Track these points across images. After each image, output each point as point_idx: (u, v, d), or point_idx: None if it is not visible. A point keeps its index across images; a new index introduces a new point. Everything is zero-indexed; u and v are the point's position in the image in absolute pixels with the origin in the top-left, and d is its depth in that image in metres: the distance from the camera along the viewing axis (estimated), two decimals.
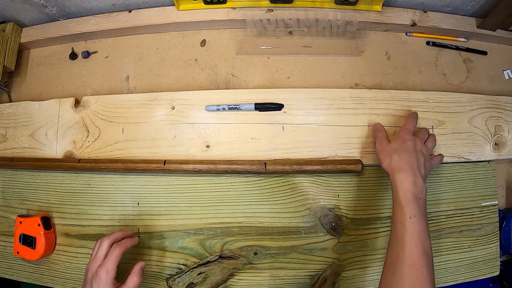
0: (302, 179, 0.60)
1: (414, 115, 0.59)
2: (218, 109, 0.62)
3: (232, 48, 0.70)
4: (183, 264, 0.60)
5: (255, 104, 0.61)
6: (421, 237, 0.46)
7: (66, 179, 0.64)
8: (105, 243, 0.51)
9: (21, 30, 0.73)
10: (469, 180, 0.61)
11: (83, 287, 0.50)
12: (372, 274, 0.59)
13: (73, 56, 0.73)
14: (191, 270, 0.59)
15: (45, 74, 0.74)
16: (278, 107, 0.61)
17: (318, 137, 0.61)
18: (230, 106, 0.61)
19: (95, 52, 0.73)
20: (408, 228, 0.46)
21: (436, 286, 0.58)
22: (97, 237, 0.61)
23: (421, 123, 0.62)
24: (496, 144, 0.62)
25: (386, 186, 0.60)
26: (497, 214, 0.61)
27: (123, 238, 0.53)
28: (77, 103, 0.67)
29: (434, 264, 0.58)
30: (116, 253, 0.49)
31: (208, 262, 0.59)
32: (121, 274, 0.51)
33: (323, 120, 0.62)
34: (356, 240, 0.59)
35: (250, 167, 0.58)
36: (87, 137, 0.64)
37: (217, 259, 0.59)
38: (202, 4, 0.67)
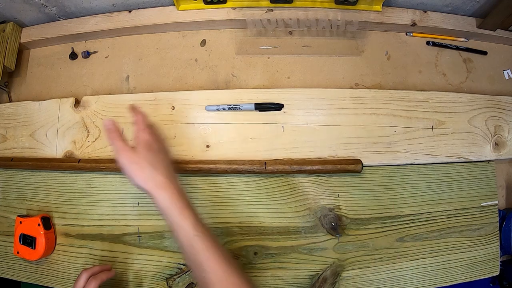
0: (302, 179, 0.60)
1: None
2: (218, 109, 0.62)
3: (232, 48, 0.70)
4: (183, 264, 0.60)
5: (255, 104, 0.61)
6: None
7: (66, 179, 0.64)
8: (83, 276, 0.53)
9: (21, 30, 0.73)
10: (469, 180, 0.61)
11: None
12: (372, 274, 0.59)
13: (73, 56, 0.73)
14: (191, 270, 0.59)
15: (45, 74, 0.74)
16: (278, 107, 0.61)
17: (318, 137, 0.61)
18: (230, 106, 0.61)
19: (95, 52, 0.73)
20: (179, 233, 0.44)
21: (436, 286, 0.59)
22: (97, 237, 0.62)
23: (421, 123, 0.62)
24: (496, 144, 0.62)
25: (386, 186, 0.60)
26: (497, 214, 0.61)
27: (100, 272, 0.55)
28: (77, 103, 0.67)
29: (434, 264, 0.59)
30: (92, 286, 0.52)
31: None
32: None
33: (323, 120, 0.62)
34: (356, 240, 0.59)
35: (250, 167, 0.58)
36: (87, 137, 0.64)
37: None
38: (202, 4, 0.67)
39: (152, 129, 0.51)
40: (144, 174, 0.46)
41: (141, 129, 0.50)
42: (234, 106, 0.61)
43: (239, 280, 0.42)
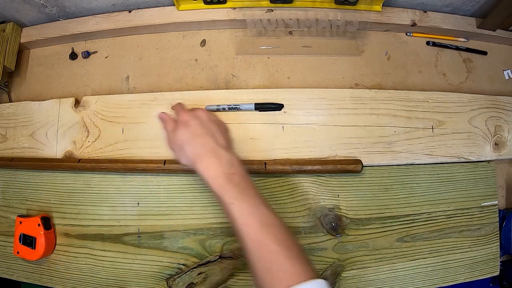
0: (302, 179, 0.60)
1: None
2: (218, 109, 0.62)
3: (232, 48, 0.70)
4: (183, 264, 0.60)
5: (255, 104, 0.61)
6: (253, 215, 0.41)
7: (66, 179, 0.64)
8: None
9: (21, 30, 0.73)
10: (469, 180, 0.61)
11: None
12: (372, 274, 0.59)
13: (73, 56, 0.73)
14: (191, 270, 0.59)
15: (45, 74, 0.74)
16: (278, 107, 0.61)
17: (318, 137, 0.61)
18: (230, 106, 0.61)
19: (95, 52, 0.73)
20: (235, 215, 0.41)
21: (436, 286, 0.59)
22: (97, 237, 0.62)
23: (421, 123, 0.62)
24: (496, 144, 0.62)
25: (386, 186, 0.60)
26: (497, 214, 0.61)
27: None
28: (77, 103, 0.67)
29: (434, 264, 0.59)
30: None
31: (208, 262, 0.59)
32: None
33: (323, 120, 0.62)
34: (356, 240, 0.59)
35: (250, 167, 0.58)
36: (87, 137, 0.64)
37: (217, 259, 0.59)
38: (202, 4, 0.67)
39: (192, 112, 0.52)
40: (183, 154, 0.46)
41: (182, 112, 0.51)
42: (234, 106, 0.61)
43: (277, 246, 0.39)
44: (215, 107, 0.62)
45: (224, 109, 0.62)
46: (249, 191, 0.42)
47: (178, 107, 0.55)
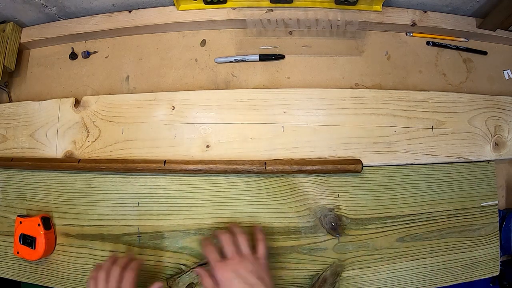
0: (302, 179, 0.60)
1: (208, 242, 0.53)
2: (225, 61, 0.68)
3: (232, 48, 0.70)
4: (183, 264, 0.60)
5: (259, 55, 0.68)
6: None
7: (66, 179, 0.64)
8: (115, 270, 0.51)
9: (21, 30, 0.73)
10: (469, 180, 0.61)
11: None
12: (372, 274, 0.59)
13: (73, 56, 0.73)
14: (191, 270, 0.59)
15: (45, 74, 0.74)
16: (280, 57, 0.68)
17: (318, 137, 0.61)
18: (237, 59, 0.68)
19: (95, 52, 0.73)
20: None
21: (436, 286, 0.59)
22: (97, 237, 0.62)
23: (421, 123, 0.62)
24: (496, 144, 0.62)
25: (386, 186, 0.60)
26: (497, 214, 0.61)
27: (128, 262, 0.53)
28: (77, 103, 0.67)
29: (434, 264, 0.59)
30: (129, 278, 0.51)
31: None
32: None
33: (323, 120, 0.62)
34: (356, 240, 0.59)
35: (250, 167, 0.58)
36: (87, 137, 0.64)
37: None
38: (202, 4, 0.67)
39: (259, 241, 0.52)
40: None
41: (220, 267, 0.49)
42: (240, 59, 0.68)
43: None
44: (224, 59, 0.67)
45: (231, 61, 0.68)
46: None
47: (212, 256, 0.51)
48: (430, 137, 0.61)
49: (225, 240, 0.51)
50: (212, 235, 0.53)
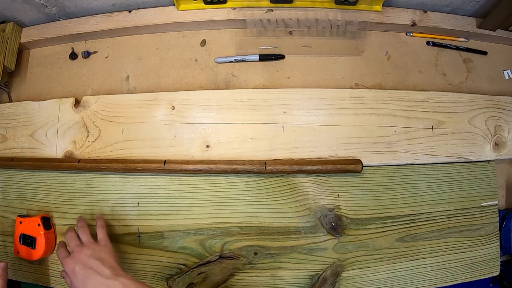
0: (302, 179, 0.60)
1: (59, 245, 0.56)
2: (225, 61, 0.68)
3: (232, 48, 0.70)
4: (183, 264, 0.60)
5: (259, 55, 0.68)
6: None
7: (66, 179, 0.64)
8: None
9: (21, 30, 0.73)
10: (469, 180, 0.62)
11: None
12: (372, 274, 0.59)
13: (73, 56, 0.73)
14: (191, 270, 0.59)
15: (45, 74, 0.74)
16: (280, 57, 0.68)
17: (318, 137, 0.61)
18: (237, 59, 0.68)
19: (95, 52, 0.73)
20: None
21: (436, 286, 0.59)
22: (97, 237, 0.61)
23: (421, 123, 0.62)
24: (496, 144, 0.62)
25: (386, 186, 0.60)
26: (497, 214, 0.61)
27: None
28: (77, 103, 0.67)
29: (434, 264, 0.59)
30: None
31: (208, 262, 0.59)
32: None
33: (323, 120, 0.62)
34: (356, 240, 0.59)
35: (250, 167, 0.58)
36: (87, 137, 0.64)
37: (217, 259, 0.59)
38: (202, 4, 0.67)
39: (81, 229, 0.57)
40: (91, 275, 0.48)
41: (64, 258, 0.53)
42: (240, 59, 0.67)
43: None
44: (223, 59, 0.67)
45: (231, 61, 0.68)
46: None
47: (69, 239, 0.55)
48: (430, 137, 0.61)
49: (68, 237, 0.55)
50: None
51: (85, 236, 0.55)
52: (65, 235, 0.56)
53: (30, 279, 0.63)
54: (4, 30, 0.70)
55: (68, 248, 0.55)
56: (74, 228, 0.57)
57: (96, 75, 0.72)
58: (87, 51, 0.72)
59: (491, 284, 0.69)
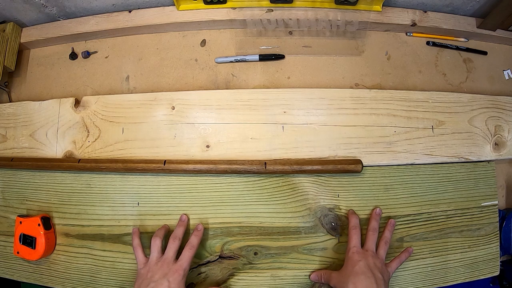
0: (302, 179, 0.60)
1: (354, 225, 0.56)
2: (225, 61, 0.68)
3: (232, 48, 0.70)
4: None
5: (259, 55, 0.68)
6: None
7: (66, 179, 0.64)
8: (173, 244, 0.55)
9: (21, 30, 0.73)
10: (469, 180, 0.61)
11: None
12: None
13: (73, 56, 0.73)
14: (191, 270, 0.59)
15: (45, 74, 0.74)
16: (280, 57, 0.68)
17: (318, 137, 0.61)
18: (237, 59, 0.68)
19: (95, 52, 0.73)
20: None
21: (436, 286, 0.59)
22: (97, 237, 0.62)
23: (421, 123, 0.62)
24: (496, 144, 0.62)
25: (387, 186, 0.60)
26: (497, 214, 0.61)
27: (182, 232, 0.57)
28: (77, 103, 0.67)
29: (434, 264, 0.59)
30: (190, 255, 0.54)
31: (208, 262, 0.59)
32: None
33: (323, 120, 0.62)
34: None
35: (250, 167, 0.58)
36: (87, 137, 0.64)
37: (217, 259, 0.59)
38: (202, 4, 0.67)
39: (382, 242, 0.56)
40: None
41: (355, 251, 0.54)
42: (240, 59, 0.67)
43: None
44: (224, 59, 0.67)
45: (231, 61, 0.68)
46: None
47: (354, 243, 0.55)
48: (430, 137, 0.61)
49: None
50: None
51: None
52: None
53: (30, 279, 0.63)
54: (4, 30, 0.70)
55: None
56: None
57: (96, 75, 0.72)
58: (87, 51, 0.72)
59: (491, 284, 0.69)
